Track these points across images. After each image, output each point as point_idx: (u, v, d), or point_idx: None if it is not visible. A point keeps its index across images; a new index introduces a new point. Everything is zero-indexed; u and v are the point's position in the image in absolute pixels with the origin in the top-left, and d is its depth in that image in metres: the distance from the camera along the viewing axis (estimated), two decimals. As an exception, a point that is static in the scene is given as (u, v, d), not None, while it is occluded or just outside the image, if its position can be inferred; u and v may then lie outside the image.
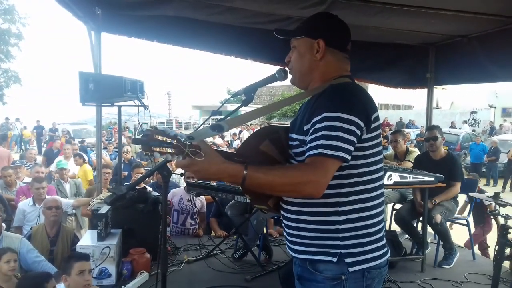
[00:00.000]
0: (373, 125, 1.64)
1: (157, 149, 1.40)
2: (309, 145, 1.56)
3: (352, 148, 1.55)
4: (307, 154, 1.56)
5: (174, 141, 1.41)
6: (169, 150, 1.41)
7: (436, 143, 4.81)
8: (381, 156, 1.73)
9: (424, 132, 9.39)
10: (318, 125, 1.55)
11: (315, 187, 1.52)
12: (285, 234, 1.81)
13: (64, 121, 27.42)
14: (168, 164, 2.14)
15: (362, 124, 1.57)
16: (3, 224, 4.46)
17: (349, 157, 1.54)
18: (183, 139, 1.43)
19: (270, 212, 1.96)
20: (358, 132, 1.57)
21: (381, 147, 1.74)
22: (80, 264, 3.16)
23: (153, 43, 5.03)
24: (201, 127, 1.91)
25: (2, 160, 8.18)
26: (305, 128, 1.62)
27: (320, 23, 1.78)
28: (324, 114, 1.55)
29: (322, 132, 1.53)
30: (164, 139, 1.40)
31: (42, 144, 21.69)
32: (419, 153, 5.48)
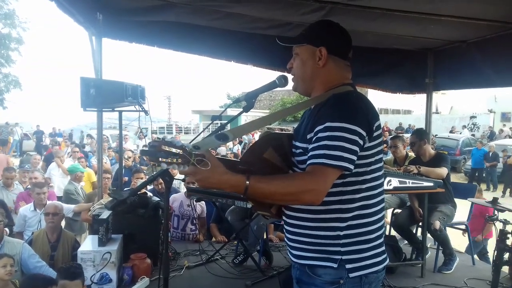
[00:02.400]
0: (375, 134, 1.67)
1: (164, 159, 1.42)
2: (311, 153, 1.59)
3: (354, 158, 1.57)
4: (308, 163, 1.59)
5: (180, 151, 1.43)
6: (176, 160, 1.43)
7: (414, 148, 4.97)
8: (381, 164, 1.76)
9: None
10: (320, 135, 1.58)
11: (315, 195, 1.55)
12: (286, 239, 1.83)
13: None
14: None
15: (364, 133, 1.60)
16: (6, 229, 4.47)
17: (352, 167, 1.57)
18: (189, 149, 1.46)
19: (272, 218, 1.98)
20: (361, 142, 1.59)
21: (382, 155, 1.76)
22: (63, 283, 3.16)
23: (154, 48, 5.05)
24: (203, 135, 1.93)
25: (0, 165, 8.21)
26: (308, 136, 1.65)
27: (322, 31, 1.80)
28: (327, 124, 1.57)
29: (325, 142, 1.55)
30: (171, 150, 1.43)
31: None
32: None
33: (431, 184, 4.31)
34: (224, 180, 1.52)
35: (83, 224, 6.00)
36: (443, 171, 4.62)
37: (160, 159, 1.43)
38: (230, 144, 20.00)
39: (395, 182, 4.10)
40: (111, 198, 4.47)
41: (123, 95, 4.11)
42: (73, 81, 4.38)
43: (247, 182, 1.52)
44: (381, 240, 1.75)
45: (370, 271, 1.68)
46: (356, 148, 1.57)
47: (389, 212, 5.76)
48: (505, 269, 4.19)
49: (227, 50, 5.18)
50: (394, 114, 34.29)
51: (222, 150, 15.77)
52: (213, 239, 5.47)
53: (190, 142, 1.56)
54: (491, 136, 24.27)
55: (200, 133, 3.01)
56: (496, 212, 3.77)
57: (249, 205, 4.01)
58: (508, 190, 14.73)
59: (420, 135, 5.00)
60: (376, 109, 1.75)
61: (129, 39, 4.92)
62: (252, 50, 5.13)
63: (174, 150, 1.43)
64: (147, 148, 1.49)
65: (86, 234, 5.95)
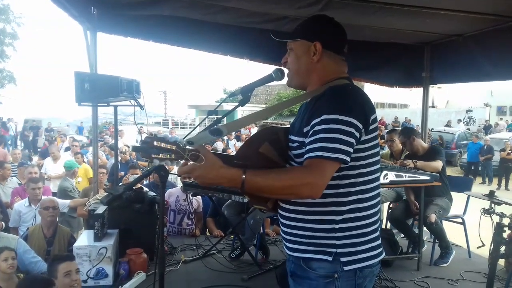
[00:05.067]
0: (371, 127, 1.66)
1: (157, 156, 1.41)
2: (308, 147, 1.58)
3: (351, 150, 1.56)
4: (306, 156, 1.58)
5: (174, 147, 1.41)
6: (169, 156, 1.42)
7: (407, 147, 5.02)
8: (378, 157, 1.75)
9: (419, 130, 9.42)
10: (317, 128, 1.57)
11: (313, 189, 1.54)
12: (281, 232, 1.83)
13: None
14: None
15: (360, 126, 1.59)
16: (2, 223, 4.44)
17: (348, 159, 1.56)
18: (183, 144, 1.44)
19: (268, 212, 1.98)
20: (357, 134, 1.58)
21: (378, 148, 1.75)
22: (65, 265, 3.16)
23: (149, 42, 5.01)
24: (198, 129, 1.92)
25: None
26: (304, 130, 1.64)
27: (317, 26, 1.79)
28: (324, 117, 1.56)
29: (321, 135, 1.55)
30: (164, 146, 1.41)
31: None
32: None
33: (428, 177, 4.31)
34: (221, 174, 1.51)
35: (81, 221, 5.98)
36: (438, 164, 4.64)
37: (152, 155, 1.41)
38: (225, 137, 20.00)
39: (391, 176, 4.10)
40: (106, 193, 4.46)
41: (118, 90, 4.09)
42: (68, 76, 4.35)
43: (244, 176, 1.51)
44: (377, 233, 1.75)
45: (365, 264, 1.68)
46: (352, 140, 1.57)
47: (385, 206, 5.77)
48: (501, 261, 4.20)
49: (223, 44, 5.15)
50: (390, 108, 34.33)
51: (219, 145, 15.74)
52: (209, 233, 5.46)
53: (184, 138, 1.54)
54: (487, 130, 24.34)
55: (195, 127, 2.99)
56: (493, 205, 3.77)
57: (246, 200, 4.00)
58: (503, 183, 14.82)
59: (407, 133, 5.03)
60: (373, 103, 1.74)
61: (124, 34, 4.88)
62: (248, 44, 5.11)
63: (167, 146, 1.41)
64: (139, 145, 1.47)
65: (83, 230, 5.93)
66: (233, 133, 20.20)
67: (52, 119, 29.24)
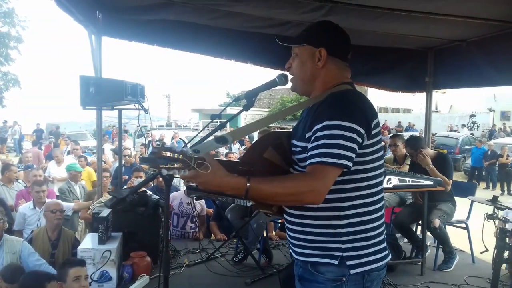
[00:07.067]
0: (373, 131, 1.67)
1: (164, 165, 1.42)
2: (310, 153, 1.60)
3: (353, 155, 1.58)
4: (308, 162, 1.60)
5: (181, 156, 1.43)
6: (176, 165, 1.43)
7: (413, 158, 4.87)
8: (382, 161, 1.76)
9: (422, 135, 9.42)
10: (319, 133, 1.58)
11: (315, 195, 1.56)
12: (288, 236, 1.84)
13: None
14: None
15: (362, 131, 1.60)
16: (6, 223, 4.45)
17: (350, 164, 1.57)
18: (189, 153, 1.46)
19: (274, 216, 1.99)
20: (359, 139, 1.60)
21: (382, 152, 1.76)
22: (75, 270, 3.17)
23: (153, 46, 5.04)
24: (202, 133, 1.93)
25: (34, 158, 8.30)
26: (307, 135, 1.66)
27: (322, 32, 1.81)
28: (325, 122, 1.58)
29: (324, 141, 1.56)
30: (171, 155, 1.42)
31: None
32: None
33: (431, 182, 4.31)
34: (225, 182, 1.53)
35: (74, 223, 5.95)
36: (449, 183, 4.56)
37: (160, 165, 1.42)
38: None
39: (395, 180, 4.10)
40: (111, 197, 4.48)
41: (122, 94, 4.11)
42: (72, 79, 4.38)
43: (248, 184, 1.52)
44: (383, 236, 1.76)
45: (372, 267, 1.69)
46: (354, 145, 1.58)
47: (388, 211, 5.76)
48: (505, 267, 4.19)
49: (227, 49, 5.17)
50: (393, 112, 34.28)
51: (221, 148, 15.74)
52: (213, 237, 5.47)
53: (189, 142, 1.56)
54: (491, 135, 24.25)
55: (200, 131, 3.01)
56: (496, 210, 3.77)
57: (249, 203, 4.01)
58: (506, 188, 14.79)
59: (413, 146, 4.86)
60: (376, 108, 1.75)
61: (129, 38, 4.91)
62: (252, 49, 5.12)
63: (174, 155, 1.43)
64: (147, 156, 1.49)
65: (78, 233, 5.90)
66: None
67: (71, 123, 29.41)
